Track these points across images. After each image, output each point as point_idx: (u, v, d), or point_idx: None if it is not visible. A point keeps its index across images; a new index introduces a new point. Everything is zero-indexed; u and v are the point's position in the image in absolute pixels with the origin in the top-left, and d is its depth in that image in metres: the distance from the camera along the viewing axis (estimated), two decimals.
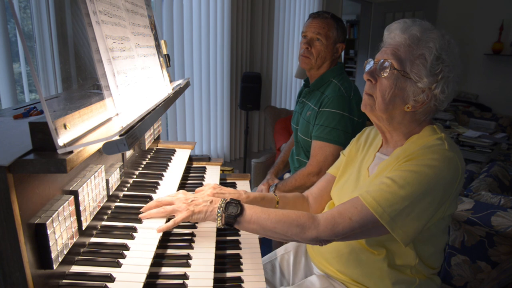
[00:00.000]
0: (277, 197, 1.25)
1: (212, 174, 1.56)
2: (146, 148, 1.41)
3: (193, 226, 1.13)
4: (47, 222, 0.65)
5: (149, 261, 0.82)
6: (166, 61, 1.35)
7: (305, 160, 1.87)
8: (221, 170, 1.67)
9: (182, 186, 1.42)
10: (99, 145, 0.69)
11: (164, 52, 1.36)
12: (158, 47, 1.28)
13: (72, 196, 0.77)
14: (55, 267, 0.69)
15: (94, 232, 0.90)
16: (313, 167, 1.69)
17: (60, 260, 0.70)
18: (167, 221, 0.99)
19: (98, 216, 0.91)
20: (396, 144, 1.06)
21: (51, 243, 0.66)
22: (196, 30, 2.77)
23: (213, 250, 1.02)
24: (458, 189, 0.96)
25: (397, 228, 0.90)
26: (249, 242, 1.18)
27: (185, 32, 2.70)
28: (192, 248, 1.03)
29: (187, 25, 2.71)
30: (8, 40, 1.66)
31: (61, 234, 0.71)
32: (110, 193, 1.00)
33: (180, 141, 2.59)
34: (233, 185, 1.57)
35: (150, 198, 1.09)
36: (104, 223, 0.95)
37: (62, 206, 0.71)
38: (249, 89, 3.10)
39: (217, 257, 1.04)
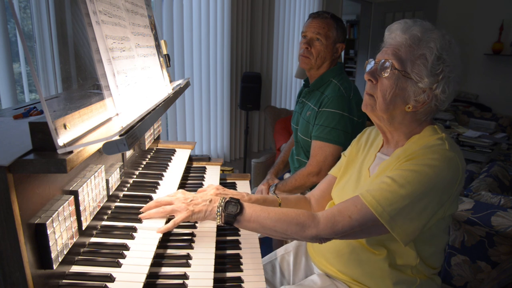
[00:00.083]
0: (279, 199, 1.24)
1: (212, 174, 1.56)
2: (146, 148, 1.41)
3: (193, 226, 1.13)
4: (47, 222, 0.65)
5: (149, 261, 0.82)
6: (166, 61, 1.35)
7: (305, 160, 1.87)
8: (221, 170, 1.67)
9: (182, 186, 1.42)
10: (99, 145, 0.69)
11: (164, 52, 1.36)
12: (158, 47, 1.28)
13: (72, 196, 0.77)
14: (55, 267, 0.68)
15: (94, 232, 0.90)
16: (313, 167, 1.69)
17: (60, 260, 0.70)
18: (167, 222, 0.99)
19: (98, 216, 0.91)
20: (397, 144, 1.06)
21: (51, 243, 0.66)
22: (196, 30, 2.77)
23: (213, 250, 1.02)
24: (459, 189, 0.96)
25: (397, 227, 0.90)
26: (249, 242, 1.18)
27: (185, 32, 2.70)
28: (192, 248, 1.03)
29: (187, 25, 2.71)
30: (8, 40, 1.66)
31: (61, 234, 0.71)
32: (110, 193, 1.00)
33: (180, 141, 2.59)
34: (233, 185, 1.57)
35: (150, 198, 1.09)
36: (104, 223, 0.95)
37: (62, 206, 0.71)
38: (249, 89, 3.10)
39: (217, 257, 1.04)
